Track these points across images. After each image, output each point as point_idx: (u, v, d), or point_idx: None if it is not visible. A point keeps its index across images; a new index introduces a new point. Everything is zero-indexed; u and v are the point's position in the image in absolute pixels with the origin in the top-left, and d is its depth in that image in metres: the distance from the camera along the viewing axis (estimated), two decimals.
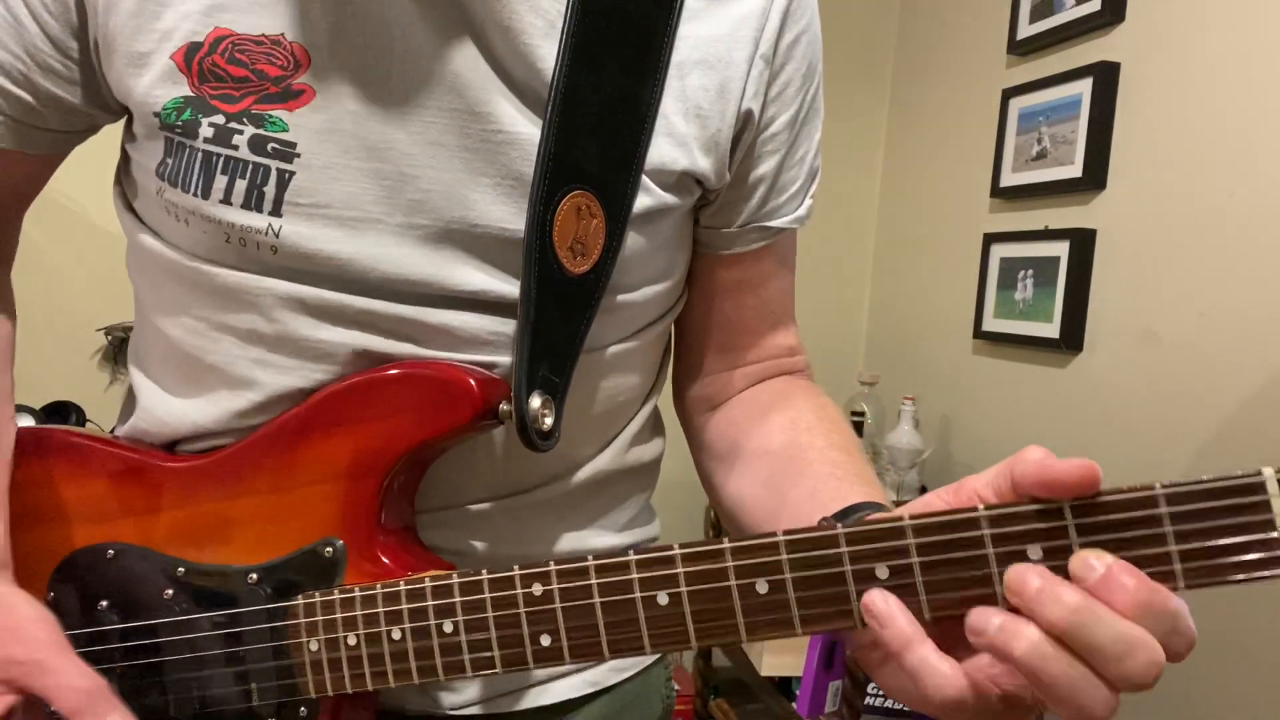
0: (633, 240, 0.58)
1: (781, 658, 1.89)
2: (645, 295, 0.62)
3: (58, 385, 2.14)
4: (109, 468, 0.60)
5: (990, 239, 2.07)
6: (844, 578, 0.43)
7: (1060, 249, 1.84)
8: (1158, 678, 0.37)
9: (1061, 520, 0.40)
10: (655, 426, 0.72)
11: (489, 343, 0.56)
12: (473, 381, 0.54)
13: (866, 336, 2.65)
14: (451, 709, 0.62)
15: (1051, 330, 1.86)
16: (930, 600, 0.41)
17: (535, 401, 0.54)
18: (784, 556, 0.43)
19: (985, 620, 0.39)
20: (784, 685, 1.94)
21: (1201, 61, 1.58)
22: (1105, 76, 1.75)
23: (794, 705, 1.85)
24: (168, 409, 0.61)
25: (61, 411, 2.07)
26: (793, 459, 0.61)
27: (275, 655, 0.54)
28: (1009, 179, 2.02)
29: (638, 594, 0.46)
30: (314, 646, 0.53)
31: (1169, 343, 1.61)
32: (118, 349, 2.35)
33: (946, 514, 0.41)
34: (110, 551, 0.58)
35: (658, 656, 0.73)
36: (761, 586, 0.44)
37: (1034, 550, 0.40)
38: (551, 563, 0.48)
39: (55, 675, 0.51)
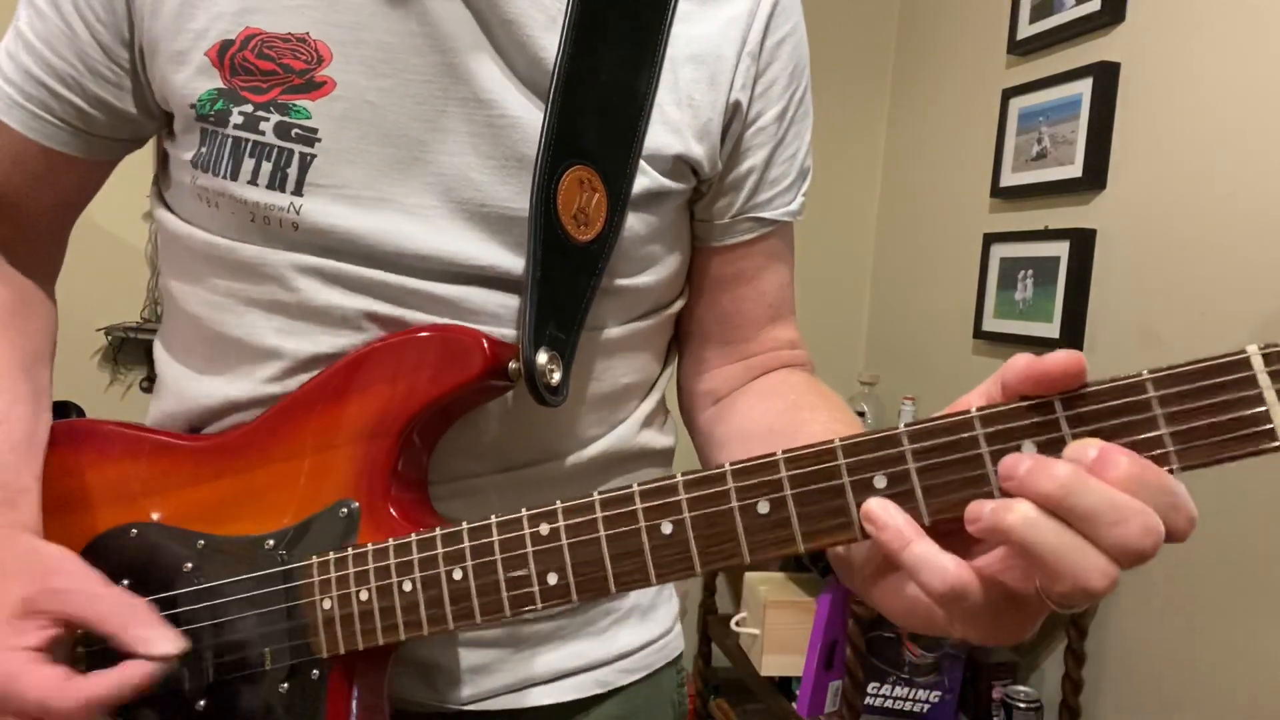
0: (633, 221, 0.61)
1: (781, 658, 1.89)
2: (646, 281, 0.64)
3: (58, 385, 2.14)
4: (133, 451, 0.62)
5: (990, 239, 2.07)
6: (843, 490, 0.43)
7: (1060, 249, 1.84)
8: (1156, 547, 0.37)
9: (1052, 414, 0.40)
10: (666, 415, 0.73)
11: (496, 315, 0.59)
12: (484, 340, 0.56)
13: (866, 336, 2.65)
14: (460, 704, 0.63)
15: (1051, 330, 1.86)
16: (929, 504, 0.42)
17: (542, 356, 0.56)
18: (784, 474, 0.44)
19: (980, 507, 0.40)
20: (784, 685, 1.94)
21: (1201, 61, 1.58)
22: (1105, 76, 1.75)
23: (794, 705, 1.85)
24: (196, 387, 0.63)
25: (62, 411, 2.07)
26: (797, 431, 0.62)
27: (289, 616, 0.55)
28: (1009, 179, 2.02)
29: (642, 524, 0.47)
30: (326, 605, 0.54)
31: (1169, 343, 1.62)
32: (118, 349, 2.35)
33: (940, 419, 0.42)
34: (134, 531, 0.60)
35: (668, 660, 0.73)
36: (763, 506, 0.45)
37: (1028, 445, 0.40)
38: (559, 502, 0.49)
39: (98, 599, 0.53)
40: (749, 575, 2.01)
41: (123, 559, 0.60)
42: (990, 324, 2.07)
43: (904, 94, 2.55)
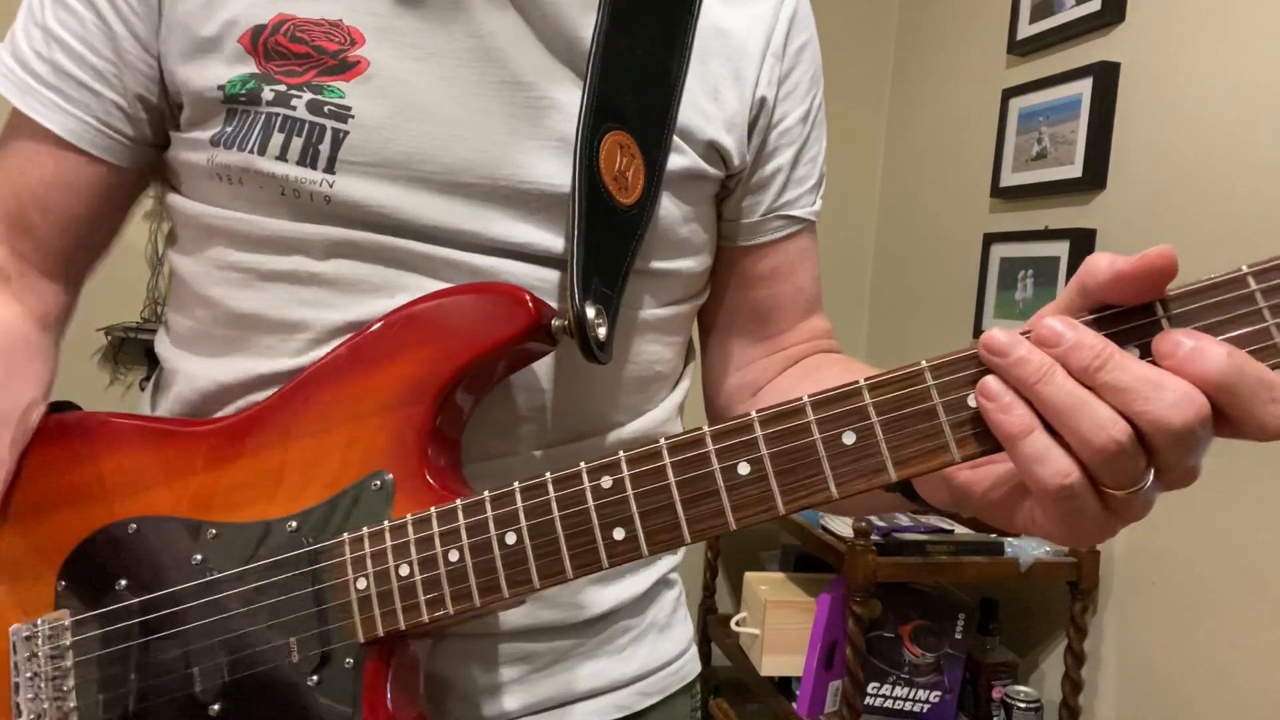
0: (669, 203, 0.62)
1: (781, 658, 1.89)
2: (680, 267, 0.65)
3: (58, 385, 2.14)
4: (133, 441, 0.58)
5: (990, 239, 2.07)
6: (935, 411, 0.41)
7: (1060, 249, 1.84)
8: (1200, 421, 0.36)
9: (1153, 315, 0.39)
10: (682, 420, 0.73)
11: (535, 288, 0.57)
12: (528, 296, 0.53)
13: (866, 336, 2.65)
14: None
15: None
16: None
17: (590, 311, 0.54)
18: (868, 401, 0.42)
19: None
20: (784, 685, 1.93)
21: (1201, 61, 1.58)
22: (1105, 76, 1.75)
23: (794, 705, 1.85)
24: (209, 371, 0.60)
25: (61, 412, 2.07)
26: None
27: (317, 601, 0.51)
28: (1009, 179, 2.02)
29: (716, 466, 0.44)
30: (362, 584, 0.50)
31: None
32: (118, 349, 2.35)
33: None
34: (133, 527, 0.56)
35: (684, 684, 0.72)
36: (848, 437, 0.42)
37: (1132, 350, 0.39)
38: (621, 452, 0.46)
39: None
40: (749, 575, 2.01)
41: (120, 558, 0.56)
42: (990, 324, 2.06)
43: (904, 94, 2.54)
